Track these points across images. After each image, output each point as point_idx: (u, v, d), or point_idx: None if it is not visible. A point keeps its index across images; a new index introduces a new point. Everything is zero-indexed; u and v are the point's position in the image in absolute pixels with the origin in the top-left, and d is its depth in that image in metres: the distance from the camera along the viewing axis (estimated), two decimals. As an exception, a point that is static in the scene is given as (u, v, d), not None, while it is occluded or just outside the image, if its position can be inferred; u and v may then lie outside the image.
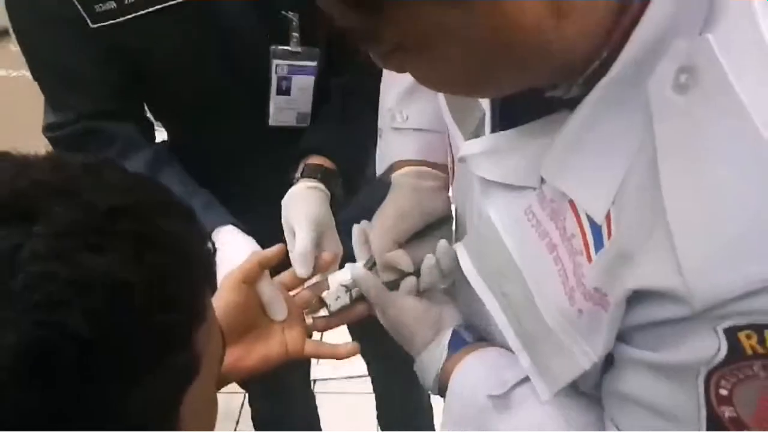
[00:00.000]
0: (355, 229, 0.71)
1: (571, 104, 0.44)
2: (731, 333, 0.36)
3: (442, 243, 0.68)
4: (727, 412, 0.38)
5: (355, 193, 0.92)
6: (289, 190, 0.81)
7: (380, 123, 0.78)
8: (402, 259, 0.66)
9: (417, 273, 0.68)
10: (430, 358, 0.62)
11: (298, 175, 0.83)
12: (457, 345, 0.62)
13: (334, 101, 0.93)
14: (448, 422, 0.60)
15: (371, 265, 0.69)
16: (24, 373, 0.31)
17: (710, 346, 0.37)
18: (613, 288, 0.42)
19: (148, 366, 0.35)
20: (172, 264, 0.36)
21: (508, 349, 0.55)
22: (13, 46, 0.91)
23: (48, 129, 0.89)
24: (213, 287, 0.79)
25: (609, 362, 0.47)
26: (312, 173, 0.83)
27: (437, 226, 0.71)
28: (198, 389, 0.39)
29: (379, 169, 0.77)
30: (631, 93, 0.40)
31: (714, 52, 0.35)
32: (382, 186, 0.74)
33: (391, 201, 0.70)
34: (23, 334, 0.30)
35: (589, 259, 0.44)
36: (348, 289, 0.69)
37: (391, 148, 0.75)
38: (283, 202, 0.80)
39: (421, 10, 0.37)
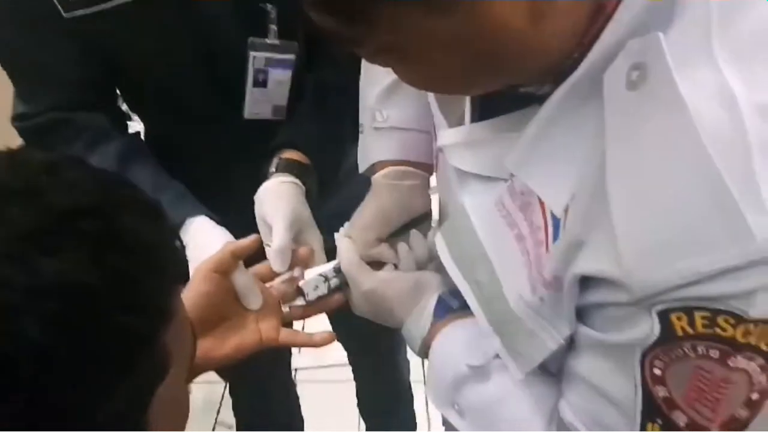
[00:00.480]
0: (338, 236, 0.72)
1: (543, 100, 0.45)
2: (664, 315, 0.38)
3: (414, 233, 0.70)
4: (660, 391, 0.40)
5: (330, 187, 0.92)
6: (263, 185, 0.81)
7: (362, 119, 0.79)
8: (386, 252, 0.69)
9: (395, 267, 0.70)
10: (416, 325, 0.64)
11: (272, 169, 0.83)
12: (443, 311, 0.63)
13: (309, 96, 0.93)
14: (430, 385, 0.63)
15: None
16: None
17: (645, 327, 0.39)
18: (565, 271, 0.44)
19: (114, 371, 0.34)
20: (135, 264, 0.35)
21: None
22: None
23: (17, 119, 0.88)
24: (184, 281, 0.80)
25: (570, 344, 0.49)
26: (287, 168, 0.83)
27: (417, 223, 0.73)
28: (168, 387, 0.39)
29: (361, 167, 0.78)
30: (592, 90, 0.41)
31: (662, 49, 0.36)
32: (364, 181, 0.75)
33: (371, 200, 0.72)
34: None
35: (547, 249, 0.46)
36: (326, 279, 0.70)
37: (372, 148, 0.77)
38: (257, 196, 0.80)
39: (404, 16, 0.38)
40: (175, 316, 0.39)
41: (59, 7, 0.78)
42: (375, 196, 0.72)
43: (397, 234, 0.72)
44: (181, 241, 0.41)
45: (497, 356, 0.55)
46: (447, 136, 0.57)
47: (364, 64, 0.77)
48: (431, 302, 0.64)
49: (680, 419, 0.40)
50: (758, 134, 0.34)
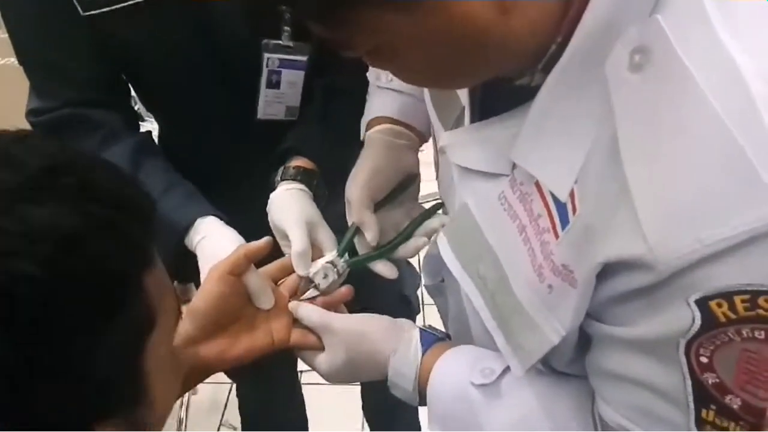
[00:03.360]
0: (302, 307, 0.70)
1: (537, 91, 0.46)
2: (703, 303, 0.38)
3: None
4: (710, 378, 0.40)
5: (337, 190, 0.92)
6: (271, 195, 0.82)
7: (370, 79, 0.82)
8: (371, 228, 0.69)
9: (387, 244, 0.72)
10: (405, 359, 0.62)
11: (278, 178, 0.84)
12: (429, 341, 0.62)
13: (316, 101, 0.94)
14: (435, 418, 0.60)
15: (353, 234, 0.72)
16: None
17: (685, 318, 0.39)
18: (580, 264, 0.44)
19: (106, 309, 0.36)
20: (112, 211, 0.37)
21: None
22: (1, 33, 0.91)
23: (31, 114, 0.88)
24: (195, 279, 0.80)
25: (587, 341, 0.49)
26: (291, 175, 0.84)
27: (407, 183, 0.75)
28: (158, 342, 0.41)
29: (362, 128, 0.80)
30: (589, 76, 0.42)
31: (664, 30, 0.38)
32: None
33: (366, 157, 0.73)
34: None
35: (556, 236, 0.46)
36: (334, 265, 0.71)
37: (372, 104, 0.79)
38: (268, 207, 0.81)
39: (380, 20, 0.40)
40: (155, 265, 0.41)
41: (77, 5, 0.79)
42: (370, 152, 0.73)
43: (389, 198, 0.74)
44: (152, 198, 0.43)
45: (504, 373, 0.55)
46: (449, 136, 0.58)
47: None
48: (415, 333, 0.63)
49: (734, 402, 0.39)
50: (765, 99, 0.35)
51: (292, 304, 0.70)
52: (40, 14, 0.82)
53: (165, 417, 0.46)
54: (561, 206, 0.45)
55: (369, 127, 0.77)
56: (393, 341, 0.63)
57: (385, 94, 0.77)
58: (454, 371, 0.59)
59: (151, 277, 0.40)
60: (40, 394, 0.34)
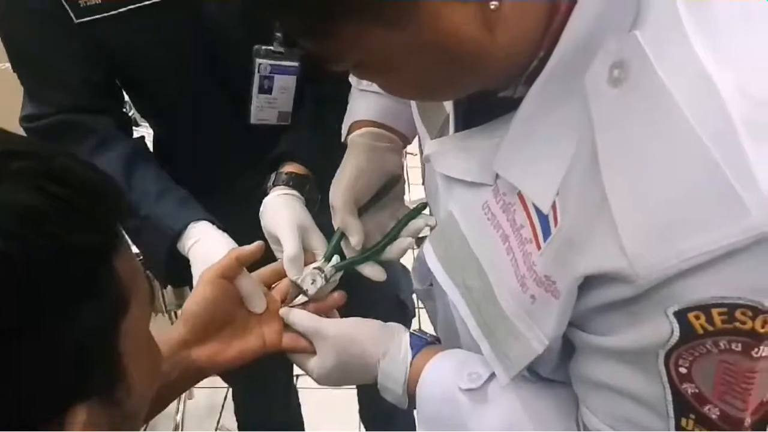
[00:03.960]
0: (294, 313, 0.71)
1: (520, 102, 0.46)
2: (681, 315, 0.38)
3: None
4: (689, 388, 0.40)
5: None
6: (264, 200, 0.83)
7: (351, 82, 0.82)
8: (355, 232, 0.69)
9: (373, 247, 0.72)
10: (395, 363, 0.62)
11: (270, 184, 0.85)
12: (418, 345, 0.63)
13: (308, 107, 0.95)
14: (423, 421, 0.61)
15: (339, 238, 0.72)
16: None
17: (663, 329, 0.39)
18: (563, 275, 0.44)
19: (75, 287, 0.36)
20: (75, 191, 0.37)
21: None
22: (-5, 39, 0.91)
23: (25, 120, 0.89)
24: (187, 283, 0.80)
25: (572, 348, 0.49)
26: (283, 181, 0.85)
27: (390, 186, 0.75)
28: (132, 325, 0.41)
29: (344, 132, 0.80)
30: (569, 88, 0.42)
31: (642, 46, 0.38)
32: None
33: (349, 161, 0.73)
34: None
35: (539, 247, 0.46)
36: (321, 270, 0.71)
37: (353, 107, 0.79)
38: (261, 213, 0.82)
39: (367, 34, 0.41)
40: (124, 248, 0.41)
41: (70, 12, 0.79)
42: (352, 156, 0.73)
43: (371, 203, 0.74)
44: (117, 184, 0.44)
45: (490, 379, 0.56)
46: (433, 145, 0.58)
47: None
48: (405, 337, 0.64)
49: (713, 413, 0.40)
50: (740, 113, 0.35)
51: (283, 311, 0.70)
52: (34, 21, 0.82)
53: (145, 404, 0.46)
54: (543, 218, 0.46)
55: (351, 130, 0.77)
56: (383, 345, 0.63)
57: (366, 97, 0.78)
58: (443, 375, 0.59)
59: (120, 260, 0.40)
60: (12, 372, 0.34)
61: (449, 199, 0.57)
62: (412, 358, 0.62)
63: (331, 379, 0.66)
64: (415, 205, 0.74)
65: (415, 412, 0.61)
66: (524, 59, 0.44)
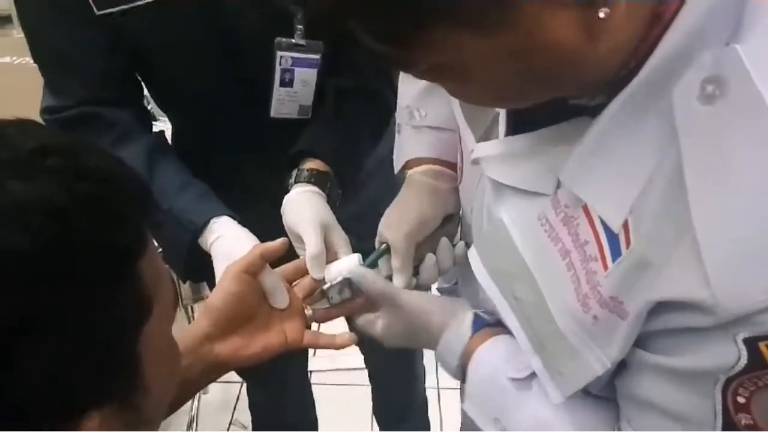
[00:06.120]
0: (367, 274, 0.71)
1: (590, 111, 0.44)
2: (751, 343, 0.36)
3: (443, 243, 0.70)
4: (744, 419, 0.39)
5: (351, 190, 0.93)
6: (285, 198, 0.83)
7: (398, 119, 0.80)
8: (406, 277, 0.70)
9: (417, 270, 0.71)
10: (455, 337, 0.63)
11: (291, 181, 0.85)
12: (479, 325, 0.63)
13: (329, 101, 0.94)
14: (468, 396, 0.61)
15: (380, 255, 0.72)
16: None
17: (730, 355, 0.37)
18: (632, 297, 0.42)
19: (98, 286, 0.36)
20: (103, 191, 0.37)
21: None
22: (17, 33, 0.92)
23: (46, 112, 0.89)
24: (210, 279, 0.80)
25: (621, 365, 0.47)
26: (305, 178, 0.85)
27: (444, 224, 0.74)
28: (155, 330, 0.40)
29: (397, 165, 0.79)
30: (654, 102, 0.40)
31: (743, 62, 0.35)
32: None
33: (412, 200, 0.72)
34: None
35: (605, 267, 0.44)
36: (351, 282, 0.70)
37: (409, 145, 0.77)
38: (282, 210, 0.82)
39: (454, 39, 0.37)
40: (149, 249, 0.41)
41: (92, 4, 0.79)
42: (413, 196, 0.72)
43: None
44: (146, 182, 0.43)
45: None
46: (484, 149, 0.55)
47: None
48: (468, 315, 0.63)
49: None
50: None
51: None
52: (55, 14, 0.82)
53: (163, 406, 0.45)
54: (612, 236, 0.43)
55: (408, 166, 0.76)
56: (447, 317, 0.64)
57: (422, 134, 0.76)
58: (493, 358, 0.60)
59: (145, 262, 0.39)
60: (27, 371, 0.34)
61: (500, 205, 0.54)
62: (471, 335, 0.62)
63: (395, 341, 0.68)
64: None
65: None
66: (616, 69, 0.41)
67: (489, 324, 0.63)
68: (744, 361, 0.37)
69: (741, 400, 0.38)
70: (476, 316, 0.63)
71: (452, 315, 0.64)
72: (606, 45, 0.38)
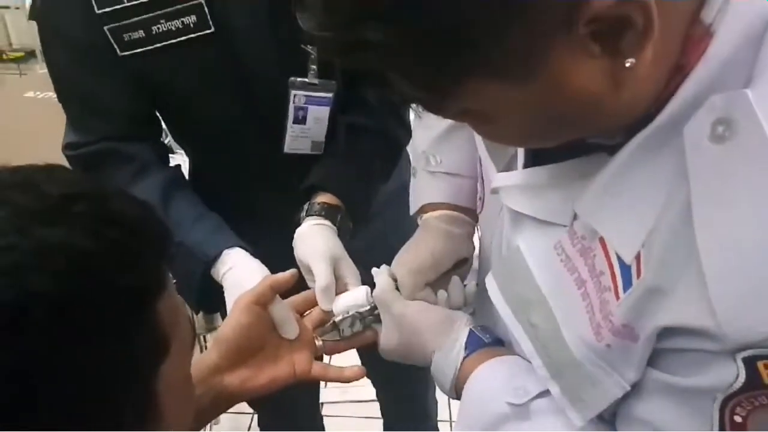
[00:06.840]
0: (377, 272, 0.72)
1: (608, 148, 0.46)
2: (750, 362, 0.37)
3: (455, 281, 0.72)
4: None
5: (362, 223, 0.94)
6: (297, 231, 0.84)
7: (414, 162, 0.82)
8: (425, 295, 0.70)
9: None
10: (446, 359, 0.63)
11: (303, 214, 0.87)
12: (475, 345, 0.63)
13: (340, 137, 0.96)
14: (461, 423, 0.61)
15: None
16: None
17: (728, 373, 0.38)
18: (642, 322, 0.43)
19: (116, 329, 0.37)
20: (127, 237, 0.39)
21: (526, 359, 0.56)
22: (40, 68, 0.95)
23: (68, 147, 0.92)
24: (221, 309, 0.80)
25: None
26: (316, 211, 0.86)
27: (457, 267, 0.74)
28: (172, 369, 0.41)
29: (413, 208, 0.81)
30: (668, 141, 0.41)
31: (751, 105, 0.37)
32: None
33: (424, 242, 0.73)
34: None
35: (617, 297, 0.45)
36: (363, 317, 0.72)
37: (424, 189, 0.79)
38: (294, 242, 0.83)
39: (484, 87, 0.39)
40: (168, 292, 0.42)
41: (115, 45, 0.83)
42: (427, 239, 0.74)
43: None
44: (168, 227, 0.44)
45: (539, 396, 0.54)
46: (503, 179, 0.56)
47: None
48: (462, 335, 0.64)
49: None
50: None
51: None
52: (80, 53, 0.86)
53: None
54: (625, 268, 0.44)
55: (424, 210, 0.77)
56: (441, 336, 0.64)
57: (437, 179, 0.77)
58: (491, 384, 0.59)
59: (163, 303, 0.41)
60: (49, 407, 0.35)
61: (517, 234, 0.55)
62: (466, 357, 0.62)
63: (392, 354, 0.69)
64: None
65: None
66: (637, 114, 0.43)
67: (485, 344, 0.63)
68: (742, 379, 0.37)
69: (738, 419, 0.39)
70: (471, 334, 0.64)
71: (446, 333, 0.64)
72: (630, 93, 0.40)
